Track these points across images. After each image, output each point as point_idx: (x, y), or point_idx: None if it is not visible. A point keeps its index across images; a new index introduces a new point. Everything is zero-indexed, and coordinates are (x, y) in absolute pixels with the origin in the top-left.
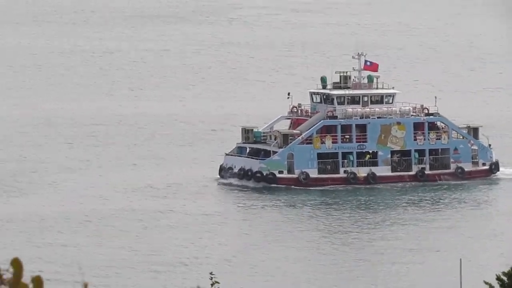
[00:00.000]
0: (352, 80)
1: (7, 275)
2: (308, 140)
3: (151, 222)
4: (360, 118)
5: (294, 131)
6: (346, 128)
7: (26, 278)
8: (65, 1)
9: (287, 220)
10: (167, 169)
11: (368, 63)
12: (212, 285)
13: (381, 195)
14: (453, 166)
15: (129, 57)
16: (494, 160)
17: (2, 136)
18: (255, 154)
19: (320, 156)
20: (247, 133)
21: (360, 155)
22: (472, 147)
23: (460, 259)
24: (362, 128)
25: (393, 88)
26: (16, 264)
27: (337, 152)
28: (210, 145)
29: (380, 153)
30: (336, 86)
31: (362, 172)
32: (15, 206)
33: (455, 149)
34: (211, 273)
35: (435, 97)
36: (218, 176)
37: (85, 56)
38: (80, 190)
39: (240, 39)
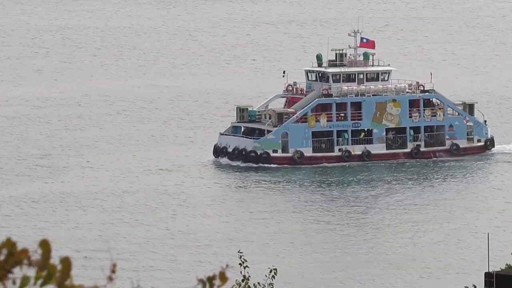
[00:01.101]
0: (347, 57)
1: (35, 257)
2: (303, 119)
3: (151, 203)
4: (355, 96)
5: (289, 110)
6: (341, 106)
7: (55, 259)
8: None
9: (281, 199)
10: (161, 149)
11: (365, 40)
12: (240, 264)
13: (376, 173)
14: (448, 143)
15: (149, 36)
16: (489, 137)
17: (36, 116)
18: (250, 133)
19: (314, 134)
20: (242, 112)
21: (355, 133)
22: (468, 124)
23: (488, 233)
24: (357, 106)
25: (388, 65)
26: (44, 245)
27: (332, 130)
28: (204, 124)
29: (375, 130)
30: (332, 64)
31: (357, 150)
32: (47, 186)
33: (451, 125)
34: (239, 252)
35: (431, 74)
36: (213, 156)
37: (118, 35)
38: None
39: (239, 17)
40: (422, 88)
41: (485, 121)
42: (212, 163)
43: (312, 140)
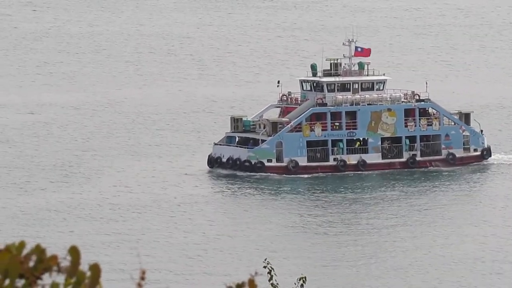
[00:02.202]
0: (342, 67)
1: (65, 263)
2: (297, 128)
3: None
4: (350, 105)
5: (283, 119)
6: (335, 115)
7: (84, 266)
8: None
9: (276, 209)
10: (154, 159)
11: (359, 49)
12: (269, 272)
13: (371, 183)
14: (444, 153)
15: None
16: (486, 146)
17: (70, 122)
18: (244, 143)
19: (309, 144)
20: (236, 122)
21: (350, 142)
22: (464, 133)
23: None
24: (352, 115)
25: (384, 74)
26: (74, 252)
27: (326, 140)
28: (199, 134)
29: (370, 140)
30: (326, 73)
31: (352, 159)
32: (77, 193)
33: (447, 135)
34: (265, 260)
35: (426, 83)
36: (207, 167)
37: (151, 41)
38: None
39: (231, 26)
40: (417, 98)
41: (482, 131)
42: (207, 173)
43: (307, 150)
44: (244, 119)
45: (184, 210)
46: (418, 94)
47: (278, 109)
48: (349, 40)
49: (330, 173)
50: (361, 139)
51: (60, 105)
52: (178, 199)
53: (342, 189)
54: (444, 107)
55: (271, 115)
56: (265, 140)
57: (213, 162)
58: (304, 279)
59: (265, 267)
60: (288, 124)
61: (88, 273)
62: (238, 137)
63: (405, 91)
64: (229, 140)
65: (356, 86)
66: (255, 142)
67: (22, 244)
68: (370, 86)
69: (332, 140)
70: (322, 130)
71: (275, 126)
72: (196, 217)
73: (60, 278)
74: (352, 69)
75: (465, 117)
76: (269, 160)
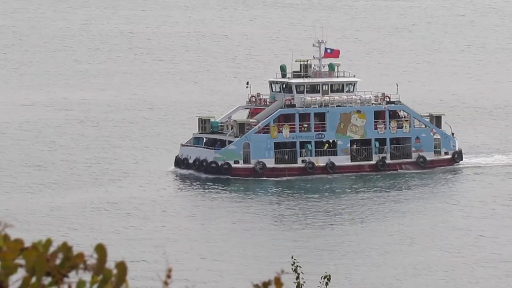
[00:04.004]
0: (312, 68)
1: (91, 261)
2: (265, 129)
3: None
4: (319, 107)
5: (251, 120)
6: (304, 117)
7: (110, 263)
8: None
9: (242, 211)
10: (122, 159)
11: (329, 51)
12: (295, 269)
13: (340, 185)
14: (414, 155)
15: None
16: (457, 149)
17: (106, 120)
18: (212, 144)
19: (277, 145)
20: (204, 123)
21: (319, 144)
22: (435, 136)
23: None
24: (321, 116)
25: (354, 76)
26: (100, 249)
27: (295, 141)
28: (166, 135)
29: (339, 142)
30: (296, 75)
31: (321, 161)
32: (103, 192)
33: (417, 138)
34: (292, 257)
35: (397, 85)
36: (174, 167)
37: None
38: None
39: (202, 26)
40: (388, 100)
41: (453, 134)
42: (173, 174)
43: (275, 151)
44: (211, 120)
45: (148, 210)
46: (388, 96)
47: (247, 111)
48: (319, 41)
49: (298, 176)
50: (330, 141)
51: (95, 103)
52: (142, 200)
53: (310, 192)
54: (415, 110)
55: (239, 117)
56: (232, 141)
57: (180, 163)
58: (328, 277)
59: (293, 264)
60: (255, 125)
61: (115, 271)
62: (206, 138)
63: (375, 93)
64: (196, 141)
65: (326, 87)
66: (223, 143)
67: (48, 242)
68: (340, 88)
69: (300, 141)
70: (290, 131)
71: (242, 127)
72: (157, 219)
73: (87, 276)
74: (322, 70)
75: (436, 120)
76: (236, 162)
